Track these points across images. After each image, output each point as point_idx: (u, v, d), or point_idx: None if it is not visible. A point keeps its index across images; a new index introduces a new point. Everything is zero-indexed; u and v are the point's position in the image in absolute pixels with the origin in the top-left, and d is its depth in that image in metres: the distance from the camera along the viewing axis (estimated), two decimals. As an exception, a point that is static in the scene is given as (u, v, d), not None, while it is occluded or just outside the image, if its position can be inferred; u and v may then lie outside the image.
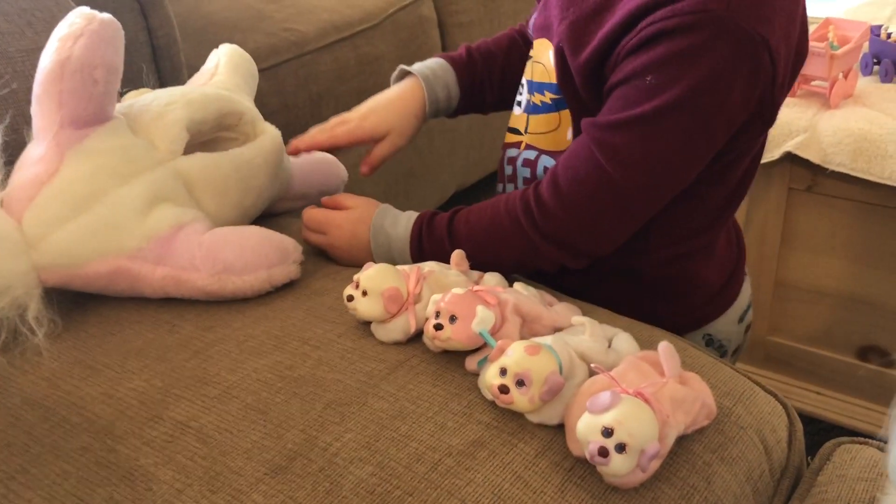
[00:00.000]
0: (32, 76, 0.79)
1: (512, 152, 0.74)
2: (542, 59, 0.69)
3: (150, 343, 0.57)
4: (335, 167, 0.85)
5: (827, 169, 0.96)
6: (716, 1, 0.54)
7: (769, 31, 0.55)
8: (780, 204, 1.03)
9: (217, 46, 1.45)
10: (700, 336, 0.74)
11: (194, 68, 1.21)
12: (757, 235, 1.06)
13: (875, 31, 1.12)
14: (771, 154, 0.98)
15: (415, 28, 1.64)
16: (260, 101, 0.91)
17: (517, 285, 0.60)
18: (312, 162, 0.82)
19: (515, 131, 0.74)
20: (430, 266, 0.60)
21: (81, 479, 0.47)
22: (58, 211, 0.58)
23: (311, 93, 1.40)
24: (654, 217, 0.63)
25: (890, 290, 1.00)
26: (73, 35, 0.59)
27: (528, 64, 0.72)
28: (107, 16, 0.61)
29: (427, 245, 0.66)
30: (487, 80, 0.80)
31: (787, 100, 1.03)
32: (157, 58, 1.17)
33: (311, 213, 0.71)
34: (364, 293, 0.56)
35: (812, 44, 0.99)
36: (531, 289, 0.59)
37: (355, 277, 0.57)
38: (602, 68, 0.60)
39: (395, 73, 0.80)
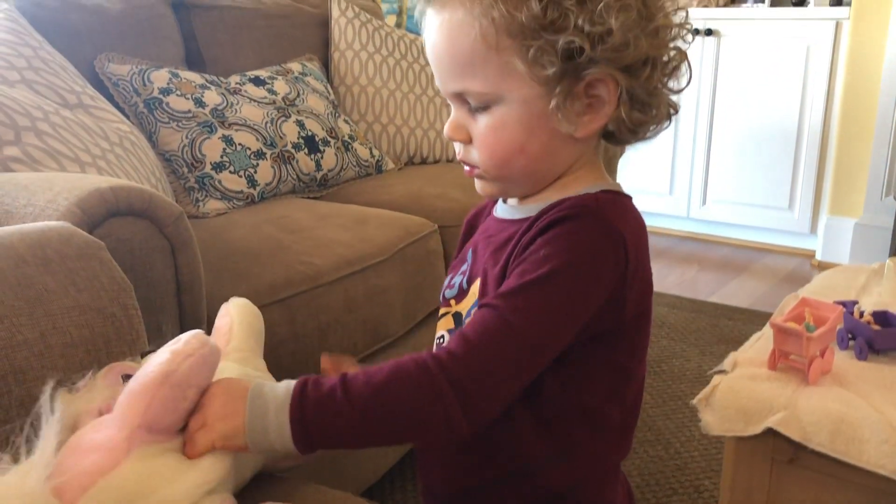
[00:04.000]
0: (70, 333, 0.87)
1: None
2: (465, 305, 0.80)
3: None
4: None
5: (808, 446, 1.01)
6: (590, 201, 0.71)
7: (626, 230, 0.70)
8: (765, 474, 1.07)
9: (237, 276, 1.54)
10: None
11: (213, 297, 1.29)
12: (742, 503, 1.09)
13: (849, 307, 1.21)
14: (754, 428, 1.03)
15: (422, 261, 1.75)
16: (270, 330, 0.98)
17: None
18: None
19: None
20: None
21: None
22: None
23: (321, 322, 1.48)
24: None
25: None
26: (185, 353, 0.65)
27: (445, 319, 0.83)
28: (215, 344, 0.68)
29: (312, 395, 0.66)
30: None
31: (767, 373, 1.10)
32: (181, 292, 1.25)
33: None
34: None
35: (789, 324, 1.08)
36: None
37: None
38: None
39: None
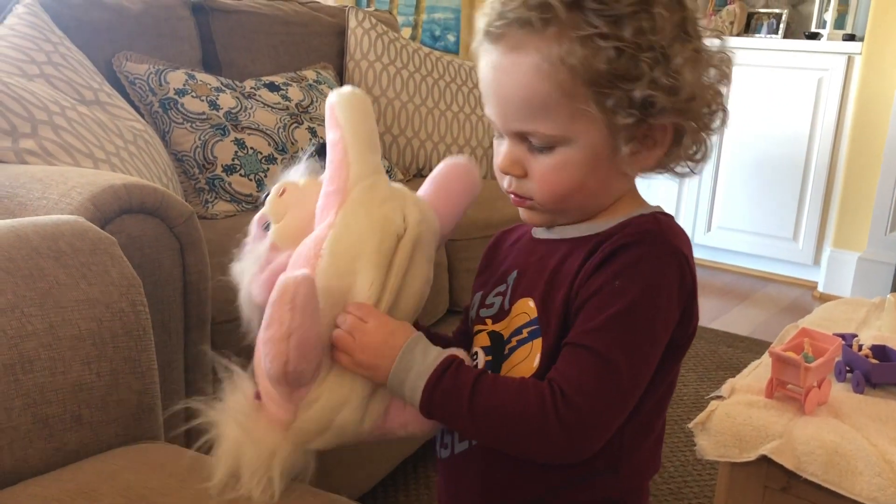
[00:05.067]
0: (78, 325, 0.88)
1: None
2: (505, 325, 0.81)
3: None
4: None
5: (801, 475, 1.01)
6: (650, 225, 0.74)
7: (685, 248, 0.73)
8: (757, 502, 1.07)
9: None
10: None
11: (218, 298, 1.31)
12: (735, 530, 1.09)
13: (848, 340, 1.22)
14: (748, 455, 1.04)
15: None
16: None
17: None
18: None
19: None
20: None
21: None
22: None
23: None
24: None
25: None
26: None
27: (480, 336, 0.83)
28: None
29: (446, 383, 0.72)
30: None
31: (764, 401, 1.11)
32: (188, 291, 1.27)
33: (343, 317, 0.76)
34: None
35: (788, 354, 1.08)
36: None
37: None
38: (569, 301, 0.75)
39: None
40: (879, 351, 1.18)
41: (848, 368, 1.18)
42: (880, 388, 1.15)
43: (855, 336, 1.25)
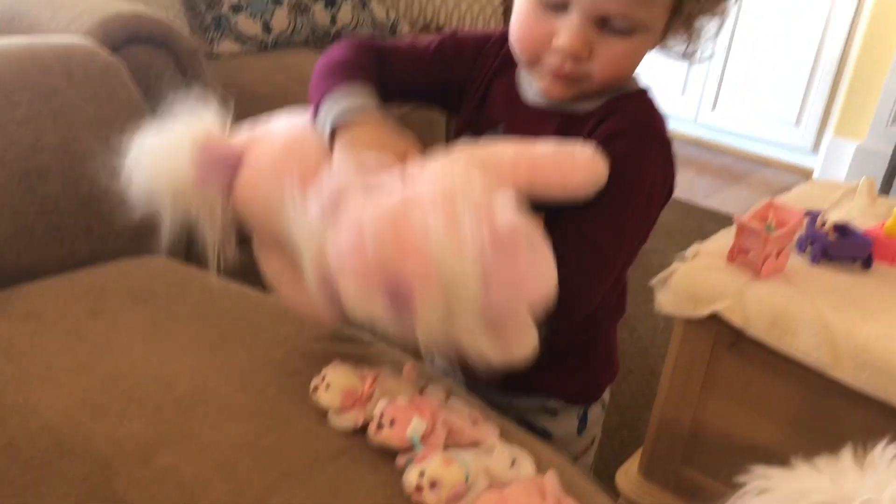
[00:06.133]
0: (88, 142, 0.94)
1: None
2: None
3: (149, 395, 0.71)
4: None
5: (747, 333, 1.11)
6: (644, 115, 0.80)
7: (669, 137, 0.81)
8: (705, 356, 1.17)
9: (245, 119, 1.61)
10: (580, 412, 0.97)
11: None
12: (682, 380, 1.20)
13: (814, 216, 1.28)
14: (701, 311, 1.13)
15: (423, 129, 1.80)
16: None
17: (454, 399, 0.73)
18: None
19: None
20: (384, 371, 0.73)
21: (79, 501, 0.59)
22: None
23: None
24: None
25: (784, 441, 1.14)
26: None
27: None
28: None
29: None
30: None
31: (723, 265, 1.19)
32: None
33: None
34: (327, 386, 0.69)
35: (752, 222, 1.15)
36: (464, 405, 0.73)
37: (323, 371, 0.71)
38: None
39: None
40: (841, 228, 1.24)
41: (809, 242, 1.25)
42: (836, 261, 1.23)
43: (821, 213, 1.31)
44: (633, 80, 0.84)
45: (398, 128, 0.76)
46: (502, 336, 0.61)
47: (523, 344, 0.62)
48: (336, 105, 0.75)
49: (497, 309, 0.59)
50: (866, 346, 1.02)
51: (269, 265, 0.79)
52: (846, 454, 0.55)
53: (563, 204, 0.72)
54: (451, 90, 0.89)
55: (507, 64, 0.86)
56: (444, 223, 0.58)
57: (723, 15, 0.80)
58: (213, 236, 0.76)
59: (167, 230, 0.75)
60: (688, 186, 3.13)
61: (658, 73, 3.52)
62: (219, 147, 0.74)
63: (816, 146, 3.37)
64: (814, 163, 3.39)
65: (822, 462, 0.56)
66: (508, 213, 0.60)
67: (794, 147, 3.43)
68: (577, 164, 0.71)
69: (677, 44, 0.82)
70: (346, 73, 0.79)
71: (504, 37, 0.87)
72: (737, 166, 3.48)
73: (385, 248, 0.58)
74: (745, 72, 3.44)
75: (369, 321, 0.61)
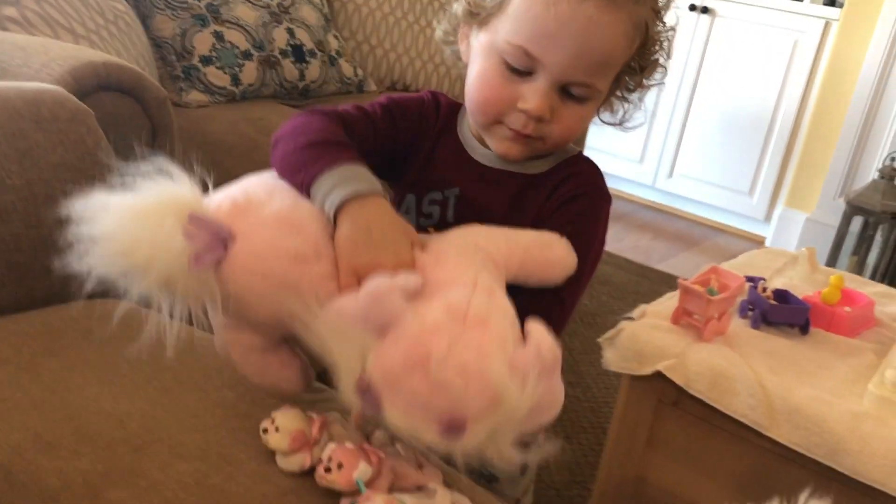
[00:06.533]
0: (54, 186, 0.96)
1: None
2: None
3: (101, 433, 0.72)
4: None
5: (689, 392, 1.15)
6: (597, 177, 0.89)
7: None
8: (649, 412, 1.21)
9: (211, 166, 1.63)
10: None
11: (185, 182, 1.39)
12: (627, 436, 1.23)
13: (755, 282, 1.34)
14: (646, 369, 1.17)
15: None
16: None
17: (398, 445, 0.75)
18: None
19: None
20: (333, 417, 0.75)
21: (25, 534, 0.60)
22: None
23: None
24: None
25: (724, 498, 1.17)
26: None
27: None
28: None
29: None
30: None
31: (668, 326, 1.23)
32: (156, 171, 1.34)
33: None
34: (277, 429, 0.71)
35: (694, 286, 1.20)
36: (409, 450, 0.75)
37: (272, 414, 0.73)
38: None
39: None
40: (781, 294, 1.30)
41: (750, 307, 1.31)
42: (775, 326, 1.28)
43: (762, 279, 1.37)
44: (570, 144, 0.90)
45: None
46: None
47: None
48: (341, 180, 0.71)
49: (532, 426, 0.64)
50: (800, 408, 1.07)
51: (238, 339, 0.75)
52: None
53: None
54: (398, 153, 0.90)
55: (449, 125, 0.91)
56: (502, 360, 0.62)
57: (655, 87, 0.87)
58: (199, 310, 0.69)
59: (155, 305, 0.68)
60: (644, 250, 3.21)
61: (618, 141, 3.60)
62: (209, 220, 0.67)
63: (769, 216, 3.49)
64: (766, 231, 3.50)
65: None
66: (547, 339, 0.64)
67: (747, 216, 3.55)
68: (556, 259, 0.79)
69: (609, 113, 0.89)
70: (337, 148, 0.76)
71: (436, 98, 0.92)
72: (693, 232, 3.58)
73: (447, 385, 0.60)
74: (702, 142, 3.57)
75: (407, 435, 0.63)
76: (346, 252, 0.68)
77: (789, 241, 3.36)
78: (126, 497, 0.65)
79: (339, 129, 0.80)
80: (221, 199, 0.71)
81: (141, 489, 0.66)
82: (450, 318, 0.63)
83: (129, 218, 0.64)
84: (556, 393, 0.65)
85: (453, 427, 0.60)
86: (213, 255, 0.66)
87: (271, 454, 0.72)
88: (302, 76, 2.10)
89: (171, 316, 0.68)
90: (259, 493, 0.68)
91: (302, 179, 0.72)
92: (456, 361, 0.60)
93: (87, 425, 0.72)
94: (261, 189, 0.73)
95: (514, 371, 0.61)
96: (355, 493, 0.67)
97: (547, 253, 0.78)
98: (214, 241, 0.66)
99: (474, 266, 0.69)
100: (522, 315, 0.69)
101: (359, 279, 0.66)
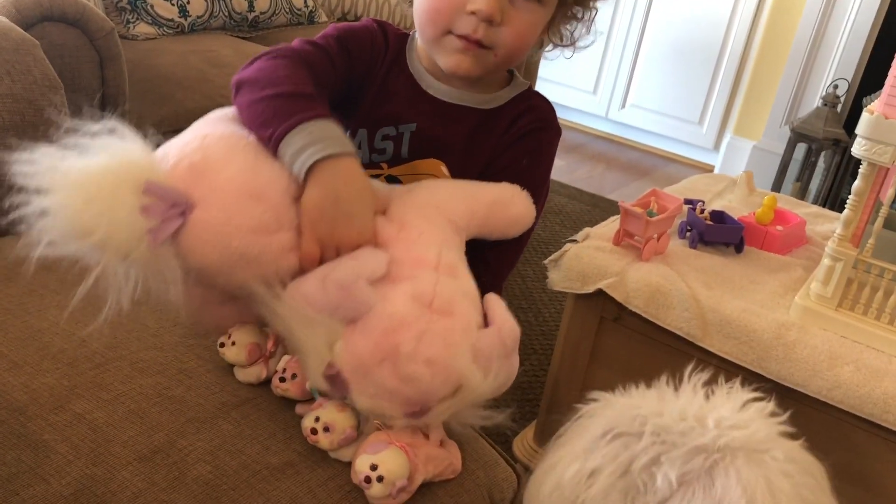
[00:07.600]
0: (3, 117, 0.97)
1: None
2: (404, 171, 0.89)
3: (64, 352, 0.75)
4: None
5: (628, 308, 1.21)
6: (550, 112, 0.92)
7: None
8: (592, 329, 1.28)
9: (160, 98, 1.63)
10: None
11: (134, 114, 1.39)
12: (571, 351, 1.30)
13: (693, 204, 1.40)
14: (588, 288, 1.23)
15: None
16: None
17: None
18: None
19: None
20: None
21: (-4, 442, 0.64)
22: None
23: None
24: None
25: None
26: None
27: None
28: None
29: None
30: None
31: (610, 247, 1.29)
32: (105, 104, 1.35)
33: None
34: (233, 343, 0.75)
35: (634, 208, 1.26)
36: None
37: (229, 330, 0.77)
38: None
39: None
40: (717, 216, 1.37)
41: (689, 228, 1.37)
42: (712, 245, 1.35)
43: (701, 202, 1.43)
44: (517, 76, 0.93)
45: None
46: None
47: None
48: (312, 139, 0.69)
49: (490, 397, 0.68)
50: (730, 319, 1.14)
51: (194, 293, 0.72)
52: (663, 381, 0.73)
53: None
54: (354, 86, 0.87)
55: (399, 57, 0.90)
56: (467, 349, 0.66)
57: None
58: (160, 284, 0.66)
59: (108, 280, 0.65)
60: (597, 180, 3.27)
61: (571, 73, 3.62)
62: (165, 188, 0.63)
63: (717, 145, 3.56)
64: (715, 160, 3.58)
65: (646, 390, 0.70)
66: (508, 320, 0.69)
67: (696, 145, 3.62)
68: (517, 215, 0.82)
69: (558, 34, 0.91)
70: (307, 101, 0.73)
71: (383, 27, 0.90)
72: (644, 162, 3.64)
73: (414, 377, 0.64)
74: (654, 72, 3.61)
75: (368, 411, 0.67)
76: (311, 219, 0.67)
77: (737, 169, 3.44)
78: (91, 408, 0.68)
79: (306, 77, 0.77)
80: (177, 158, 0.67)
81: (105, 401, 0.70)
82: (416, 308, 0.65)
83: (82, 191, 0.60)
84: (513, 367, 0.69)
85: (419, 412, 0.65)
86: (171, 226, 0.63)
87: (229, 368, 0.77)
88: (251, 7, 2.08)
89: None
90: (218, 401, 0.72)
91: (270, 134, 0.69)
92: (423, 355, 0.63)
93: (49, 345, 0.76)
94: (219, 146, 0.68)
95: (478, 358, 0.65)
96: (309, 400, 0.72)
97: (508, 210, 0.80)
98: (172, 211, 0.63)
99: (436, 237, 0.71)
100: (483, 258, 0.77)
101: (322, 248, 0.68)
